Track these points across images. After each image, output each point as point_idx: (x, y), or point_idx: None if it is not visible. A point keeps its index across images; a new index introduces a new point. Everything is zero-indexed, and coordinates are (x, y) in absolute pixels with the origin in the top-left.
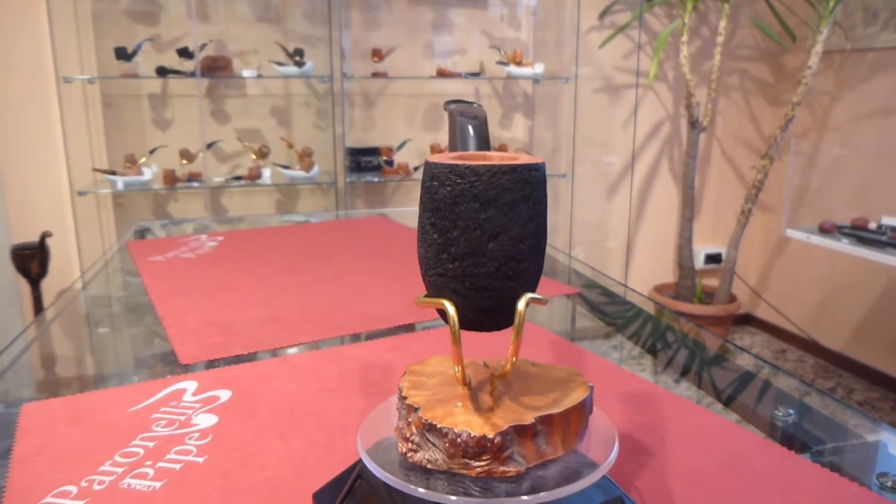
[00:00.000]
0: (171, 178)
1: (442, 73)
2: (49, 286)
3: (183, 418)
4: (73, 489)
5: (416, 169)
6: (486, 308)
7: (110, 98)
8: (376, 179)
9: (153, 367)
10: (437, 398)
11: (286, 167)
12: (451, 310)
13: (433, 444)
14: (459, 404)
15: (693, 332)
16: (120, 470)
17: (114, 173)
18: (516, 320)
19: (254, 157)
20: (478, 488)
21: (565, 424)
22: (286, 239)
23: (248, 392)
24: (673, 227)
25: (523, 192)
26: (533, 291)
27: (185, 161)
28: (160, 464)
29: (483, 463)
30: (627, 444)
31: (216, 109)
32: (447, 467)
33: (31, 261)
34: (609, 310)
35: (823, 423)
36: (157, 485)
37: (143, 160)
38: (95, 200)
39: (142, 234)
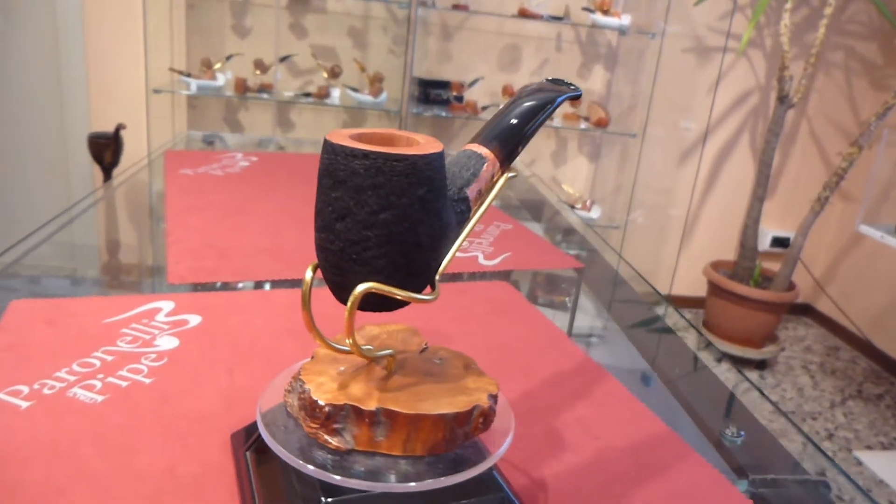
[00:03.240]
0: (242, 87)
1: (523, 14)
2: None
3: (148, 337)
4: (25, 389)
5: (484, 108)
6: (337, 283)
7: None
8: (443, 114)
9: (143, 279)
10: (338, 357)
11: (356, 90)
12: (308, 275)
13: (296, 392)
14: (342, 368)
15: (685, 330)
16: (72, 378)
17: (189, 75)
18: (349, 302)
19: (325, 75)
20: (305, 443)
21: (413, 429)
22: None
23: (218, 321)
24: (742, 203)
25: (374, 179)
26: (393, 285)
27: (258, 71)
28: (110, 379)
29: (313, 425)
30: (555, 439)
31: (294, 23)
32: (295, 416)
33: (105, 150)
34: (607, 292)
35: (773, 453)
36: (100, 399)
37: (218, 66)
38: (170, 100)
39: (203, 142)
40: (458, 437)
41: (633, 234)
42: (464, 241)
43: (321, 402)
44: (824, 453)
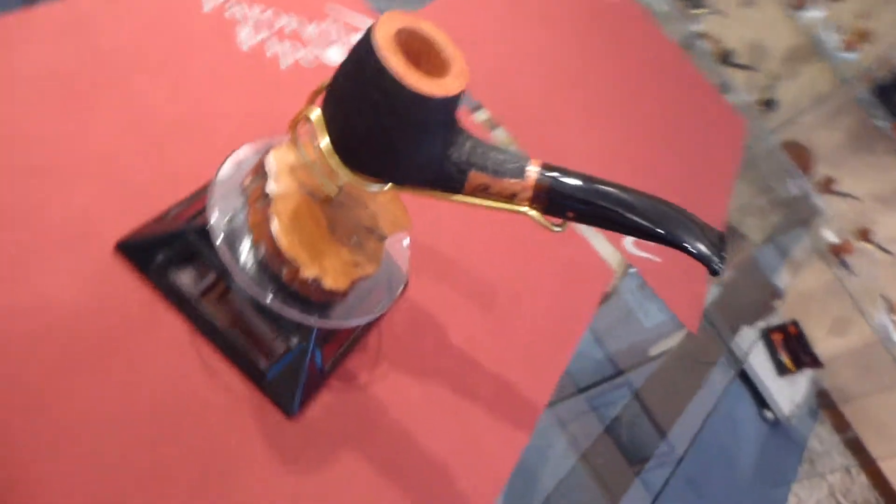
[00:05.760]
0: None
1: None
2: None
3: (333, 38)
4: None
5: None
6: None
7: None
8: (881, 125)
9: None
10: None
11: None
12: (313, 116)
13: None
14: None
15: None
16: (250, 12)
17: None
18: (298, 114)
19: None
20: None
21: (268, 235)
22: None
23: None
24: None
25: (356, 50)
26: (338, 143)
27: None
28: (273, 43)
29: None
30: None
31: None
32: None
33: None
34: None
35: None
36: (245, 48)
37: None
38: None
39: None
40: (284, 275)
41: None
42: (435, 195)
43: (265, 161)
44: None
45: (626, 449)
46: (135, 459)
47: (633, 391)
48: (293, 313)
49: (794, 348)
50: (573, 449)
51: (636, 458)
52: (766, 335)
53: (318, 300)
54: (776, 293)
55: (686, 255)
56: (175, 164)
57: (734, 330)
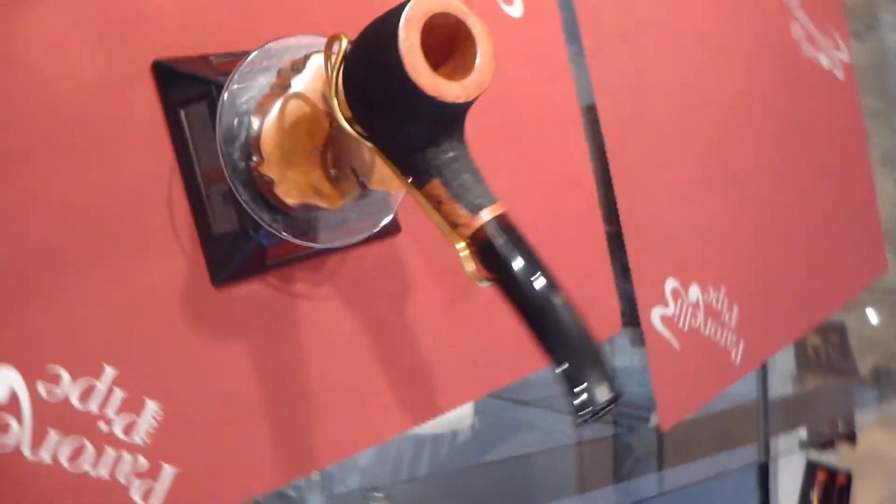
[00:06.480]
0: None
1: None
2: None
3: None
4: None
5: None
6: None
7: None
8: None
9: None
10: None
11: None
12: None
13: None
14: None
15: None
16: None
17: None
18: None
19: None
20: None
21: (259, 133)
22: None
23: None
24: None
25: (381, 19)
26: (351, 92)
27: None
28: None
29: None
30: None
31: None
32: None
33: None
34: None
35: None
36: None
37: None
38: None
39: None
40: (253, 161)
41: None
42: (399, 179)
43: (310, 57)
44: None
45: (620, 469)
46: (60, 242)
47: (657, 430)
48: (243, 197)
49: (829, 497)
50: (575, 438)
51: (623, 478)
52: (812, 468)
53: (270, 201)
54: (850, 434)
55: (565, 390)
56: (257, 19)
57: (782, 431)
